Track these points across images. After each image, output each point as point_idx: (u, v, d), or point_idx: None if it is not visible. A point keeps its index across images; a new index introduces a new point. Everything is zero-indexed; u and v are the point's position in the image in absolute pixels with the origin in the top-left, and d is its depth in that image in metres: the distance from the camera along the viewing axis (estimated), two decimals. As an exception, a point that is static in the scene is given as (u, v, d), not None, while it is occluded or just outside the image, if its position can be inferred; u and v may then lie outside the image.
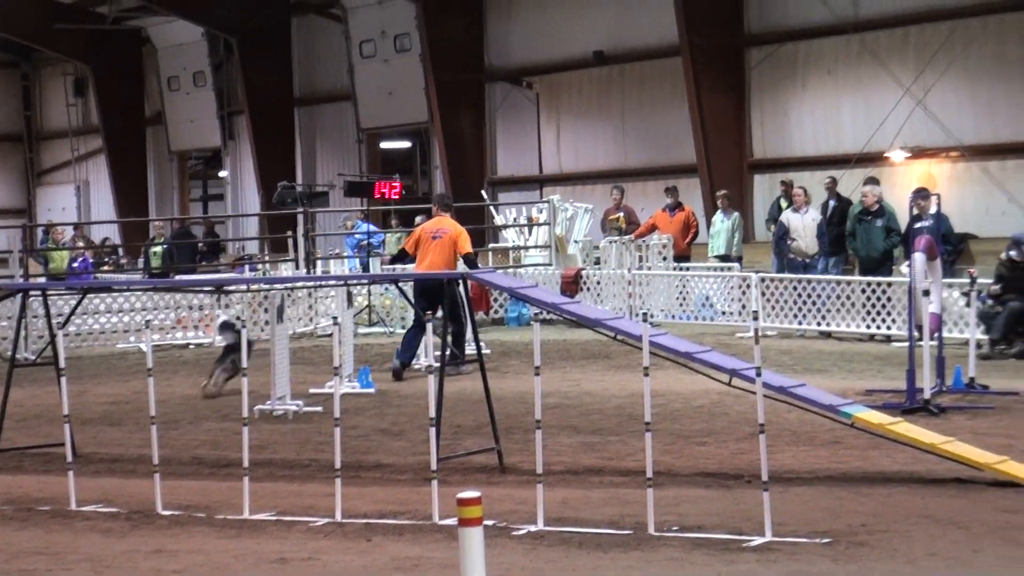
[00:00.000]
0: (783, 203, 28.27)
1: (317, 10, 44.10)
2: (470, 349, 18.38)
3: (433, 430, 11.22)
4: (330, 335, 27.19)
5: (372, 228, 33.36)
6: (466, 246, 20.34)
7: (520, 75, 38.56)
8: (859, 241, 24.43)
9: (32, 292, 16.71)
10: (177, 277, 32.39)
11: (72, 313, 15.89)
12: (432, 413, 11.28)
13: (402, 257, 21.93)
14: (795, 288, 25.02)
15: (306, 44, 44.75)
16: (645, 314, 12.82)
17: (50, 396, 18.41)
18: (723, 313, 27.37)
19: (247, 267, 34.58)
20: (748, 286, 26.10)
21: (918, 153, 31.25)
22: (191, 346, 27.42)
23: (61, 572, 9.93)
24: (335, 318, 13.14)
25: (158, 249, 35.79)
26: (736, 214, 29.82)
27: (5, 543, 10.86)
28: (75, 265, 36.09)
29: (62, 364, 12.78)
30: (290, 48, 44.82)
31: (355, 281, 25.01)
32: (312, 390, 19.00)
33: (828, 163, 31.60)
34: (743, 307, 26.48)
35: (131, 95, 50.79)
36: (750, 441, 13.79)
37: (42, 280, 31.13)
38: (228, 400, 18.99)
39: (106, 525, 11.43)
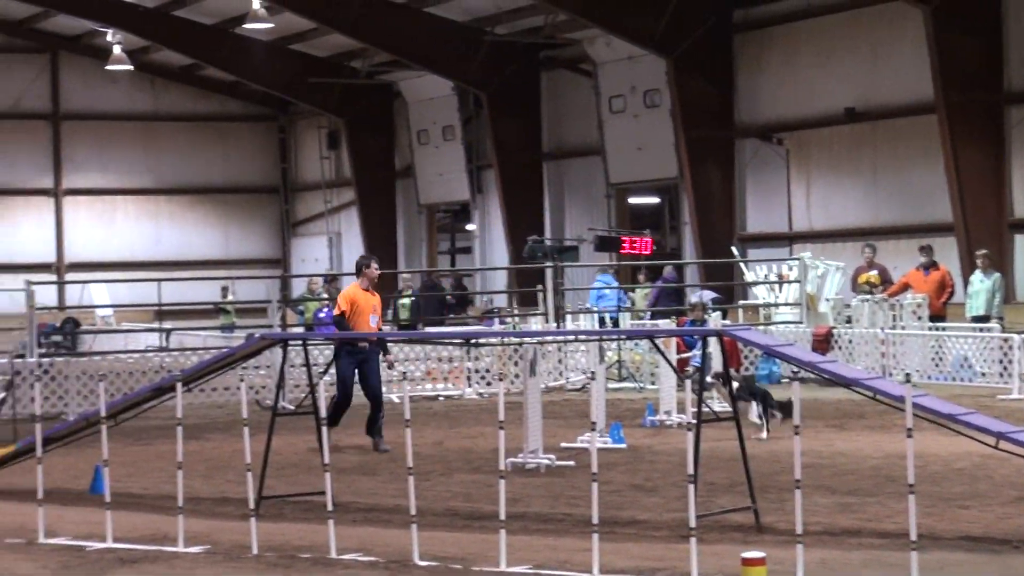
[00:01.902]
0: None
1: (567, 65, 44.41)
2: (718, 405, 18.31)
3: (691, 487, 11.20)
4: (580, 389, 27.66)
5: (613, 282, 33.47)
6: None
7: (770, 131, 38.31)
8: None
9: (292, 342, 17.10)
10: (425, 329, 32.87)
11: (331, 363, 16.26)
12: (690, 470, 11.26)
13: (342, 323, 20.72)
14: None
15: (555, 99, 45.07)
16: (908, 375, 12.65)
17: (306, 445, 18.89)
18: (982, 375, 26.88)
19: (496, 320, 34.92)
20: (1011, 347, 25.66)
21: None
22: (440, 398, 27.81)
23: (324, 618, 10.15)
24: (592, 372, 13.21)
25: (406, 301, 36.36)
26: (997, 275, 29.24)
27: (269, 589, 11.15)
28: (321, 315, 36.81)
29: (323, 413, 13.06)
30: (539, 102, 45.17)
31: (609, 336, 25.12)
32: (563, 444, 19.10)
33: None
34: (1004, 369, 25.97)
35: (382, 148, 51.69)
36: (1017, 505, 13.52)
37: (299, 330, 31.83)
38: (479, 452, 19.25)
39: (365, 574, 11.65)
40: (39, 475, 13.57)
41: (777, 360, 25.53)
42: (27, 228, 54.62)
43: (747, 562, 6.92)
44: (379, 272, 21.00)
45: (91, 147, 55.29)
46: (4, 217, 54.40)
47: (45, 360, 27.70)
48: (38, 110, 54.55)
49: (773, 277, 32.58)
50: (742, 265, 34.56)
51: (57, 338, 37.08)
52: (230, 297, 43.43)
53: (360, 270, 20.74)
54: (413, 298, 36.54)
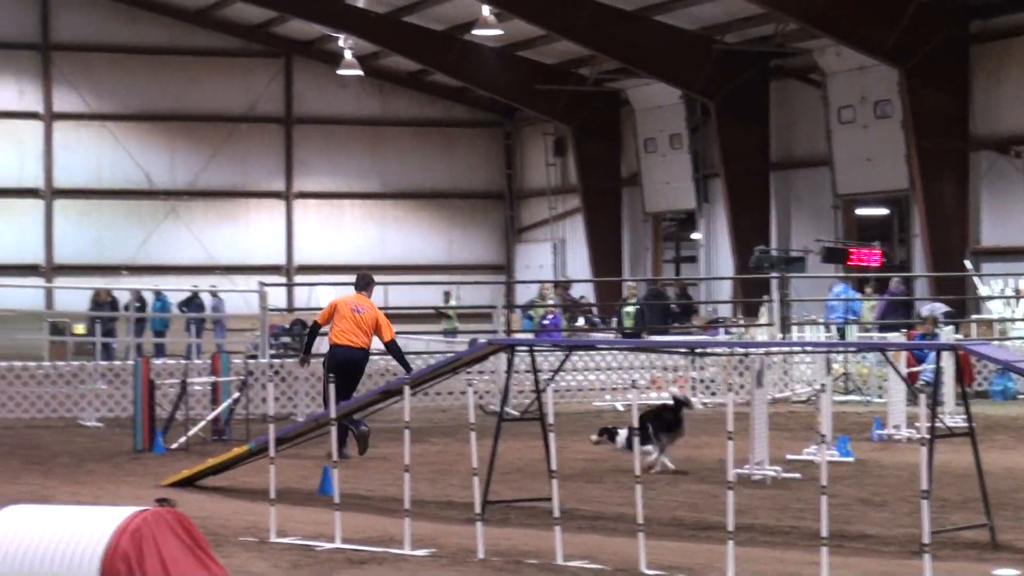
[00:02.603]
0: None
1: (796, 75, 44.02)
2: (952, 420, 17.99)
3: (925, 502, 10.99)
4: (805, 401, 27.40)
5: (852, 293, 33.07)
6: (388, 333, 20.79)
7: (1008, 143, 37.50)
8: None
9: (519, 348, 17.17)
10: (649, 338, 32.82)
11: (558, 370, 16.33)
12: (924, 485, 11.06)
13: (315, 330, 21.52)
14: None
15: (783, 108, 44.71)
16: None
17: (530, 451, 18.96)
18: None
19: (721, 330, 34.74)
20: None
21: None
22: (664, 407, 27.75)
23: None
24: (822, 385, 13.07)
25: (631, 309, 36.37)
26: None
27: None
28: (545, 322, 37.06)
29: (550, 420, 13.10)
30: (767, 112, 44.83)
31: (839, 349, 24.83)
32: (789, 456, 18.93)
33: None
34: None
35: (608, 155, 51.73)
36: None
37: (524, 336, 32.04)
38: (703, 462, 19.17)
39: (592, 581, 11.67)
40: (271, 475, 13.84)
41: (1013, 376, 24.99)
42: (259, 230, 55.85)
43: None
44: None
45: (321, 151, 56.35)
46: (238, 218, 55.70)
47: (276, 361, 28.27)
48: (272, 114, 55.76)
49: (1010, 292, 31.87)
50: (976, 279, 33.85)
51: (286, 339, 37.79)
52: (452, 302, 43.85)
53: (368, 286, 21.43)
54: (638, 306, 36.50)
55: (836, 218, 42.36)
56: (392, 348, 20.72)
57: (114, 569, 9.07)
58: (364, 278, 21.69)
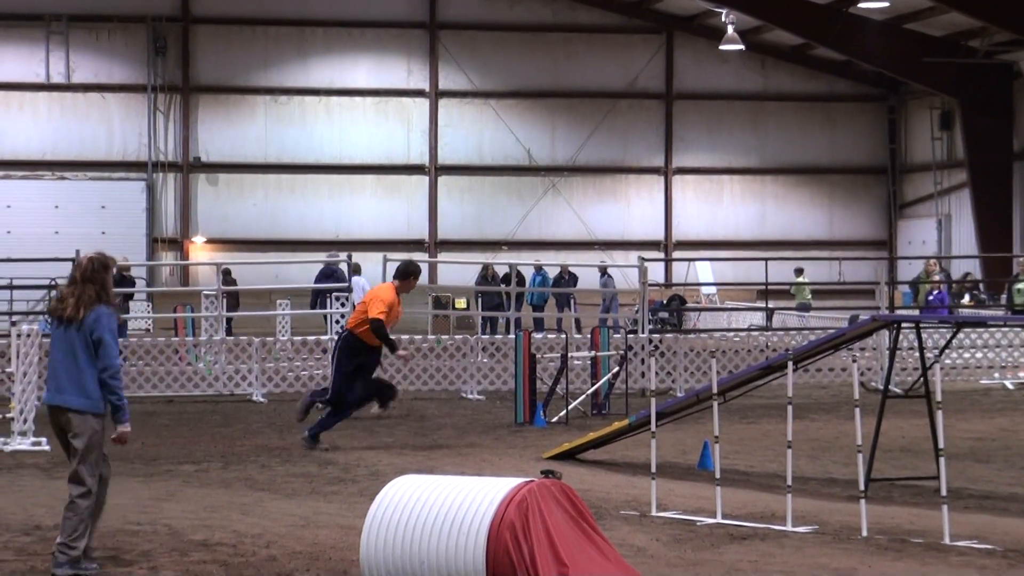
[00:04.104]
0: None
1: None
2: None
3: None
4: None
5: None
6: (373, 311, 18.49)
7: None
8: None
9: (904, 324, 16.84)
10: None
11: (946, 346, 15.99)
12: None
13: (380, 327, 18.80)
14: None
15: None
16: None
17: (913, 428, 18.60)
18: None
19: None
20: None
21: None
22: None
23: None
24: None
25: (1021, 286, 35.23)
26: None
27: (881, 573, 11.05)
28: (930, 299, 36.21)
29: (938, 397, 12.83)
30: None
31: None
32: None
33: None
34: None
35: (999, 129, 50.28)
36: None
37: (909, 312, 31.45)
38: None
39: (981, 562, 11.38)
40: (652, 449, 13.92)
41: None
42: (638, 206, 56.23)
43: None
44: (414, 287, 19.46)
45: (700, 126, 56.42)
46: (617, 194, 56.21)
47: (655, 336, 28.40)
48: (652, 89, 56.06)
49: None
50: None
51: (664, 314, 37.93)
52: (804, 278, 42.99)
53: (408, 276, 19.03)
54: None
55: None
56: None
57: (501, 538, 9.26)
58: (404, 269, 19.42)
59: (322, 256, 37.81)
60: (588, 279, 44.22)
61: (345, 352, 18.58)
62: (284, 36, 54.43)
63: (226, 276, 34.59)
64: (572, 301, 39.15)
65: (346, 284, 29.79)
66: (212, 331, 28.84)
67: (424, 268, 48.46)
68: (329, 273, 30.07)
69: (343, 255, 30.91)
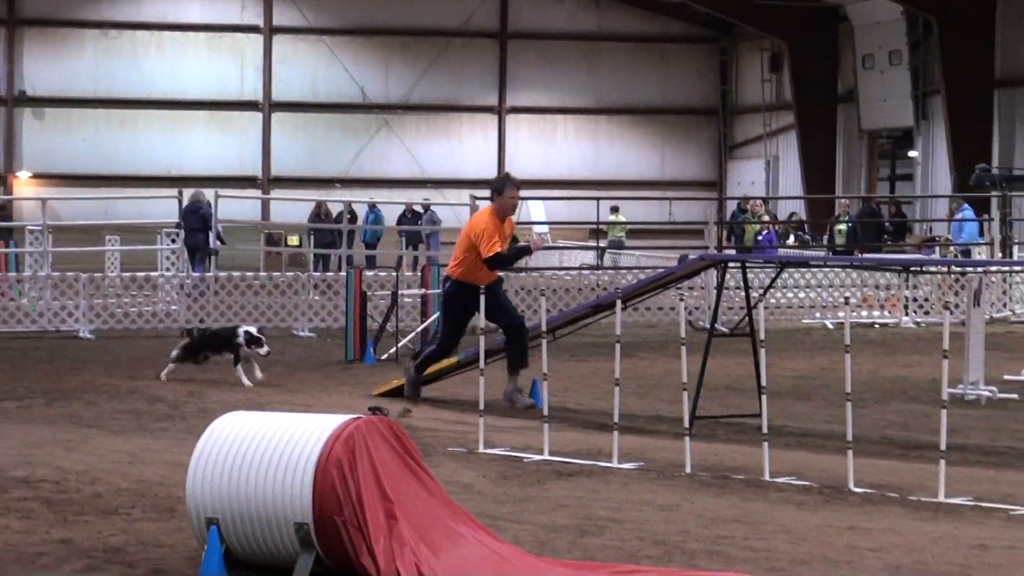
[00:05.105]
0: None
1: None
2: None
3: None
4: (1024, 322, 26.92)
5: (970, 214, 32.23)
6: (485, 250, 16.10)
7: None
8: None
9: (731, 264, 17.05)
10: (861, 255, 32.41)
11: (770, 286, 16.24)
12: None
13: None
14: None
15: (1011, 25, 43.60)
16: None
17: (738, 367, 18.87)
18: None
19: (936, 249, 34.16)
20: None
21: None
22: (876, 325, 27.48)
23: (757, 541, 10.16)
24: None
25: (843, 227, 35.93)
26: None
27: (703, 509, 11.24)
28: (759, 238, 36.83)
29: (761, 336, 13.03)
30: (994, 28, 43.76)
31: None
32: (1006, 376, 18.61)
33: None
34: None
35: (824, 72, 51.13)
36: None
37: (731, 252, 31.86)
38: (915, 381, 18.95)
39: (799, 498, 11.61)
40: (481, 387, 13.99)
41: None
42: (471, 145, 56.33)
43: None
44: (515, 201, 16.60)
45: (535, 66, 56.62)
46: (450, 133, 56.24)
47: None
48: (487, 28, 56.08)
49: None
50: None
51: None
52: (621, 217, 43.24)
53: (500, 192, 16.35)
54: (850, 224, 36.04)
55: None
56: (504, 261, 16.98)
57: (327, 474, 9.26)
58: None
59: (153, 191, 37.49)
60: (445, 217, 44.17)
61: (453, 302, 16.38)
62: None
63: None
64: (410, 238, 39.23)
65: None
66: (37, 267, 28.40)
67: (256, 204, 48.37)
68: (195, 209, 29.67)
69: (208, 192, 30.48)
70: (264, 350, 19.20)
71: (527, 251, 17.18)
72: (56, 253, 30.44)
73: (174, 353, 19.62)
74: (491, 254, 15.94)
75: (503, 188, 16.28)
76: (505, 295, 17.12)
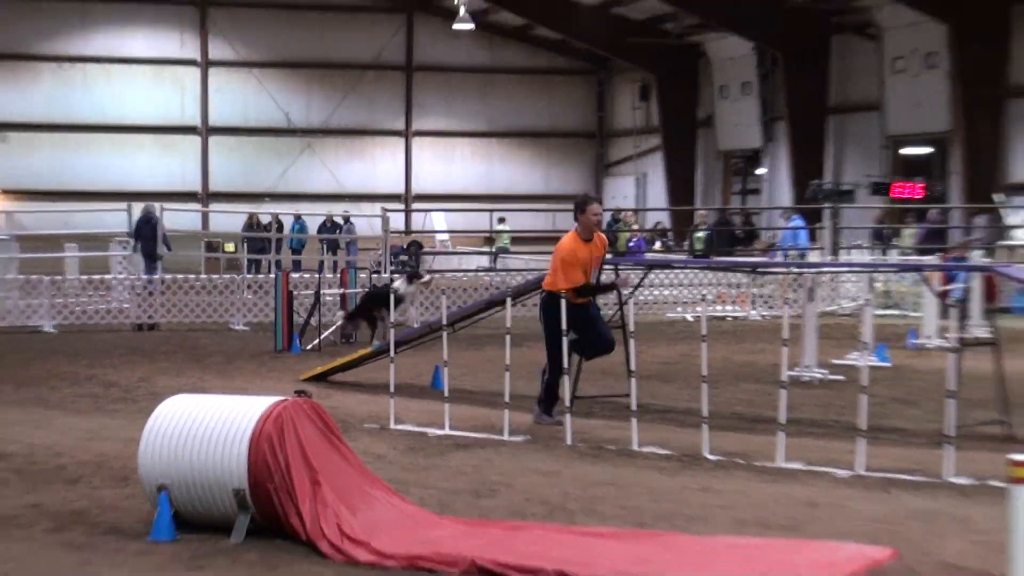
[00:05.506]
0: None
1: (855, 30, 43.45)
2: (978, 332, 17.92)
3: (951, 401, 11.09)
4: (850, 314, 27.35)
5: (800, 223, 32.78)
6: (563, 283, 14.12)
7: (1040, 92, 36.99)
8: None
9: (605, 267, 17.16)
10: (717, 258, 32.78)
11: (638, 285, 16.42)
12: (951, 386, 11.14)
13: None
14: None
15: (842, 59, 44.15)
16: None
17: (613, 355, 19.02)
18: None
19: (779, 253, 34.61)
20: None
21: None
22: (728, 318, 27.79)
23: (626, 501, 10.37)
24: (866, 300, 13.11)
25: (701, 234, 36.26)
26: None
27: (581, 474, 11.43)
28: (630, 245, 37.12)
29: (631, 328, 13.20)
30: (828, 63, 44.31)
31: (883, 269, 24.67)
32: (834, 361, 18.95)
33: None
34: None
35: (686, 101, 51.41)
36: None
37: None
38: (760, 366, 19.22)
39: (662, 464, 11.83)
40: (391, 372, 14.10)
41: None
42: (383, 164, 56.23)
43: (1016, 464, 6.77)
44: (599, 217, 14.46)
45: (437, 95, 56.53)
46: (365, 153, 56.09)
47: (395, 276, 28.48)
48: (395, 62, 55.99)
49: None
50: (1002, 210, 33.46)
51: (404, 258, 38.05)
52: (506, 226, 43.21)
53: (583, 210, 14.18)
54: (708, 232, 36.38)
55: (883, 157, 41.99)
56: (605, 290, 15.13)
57: (260, 449, 9.34)
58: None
59: (106, 205, 37.13)
60: (360, 227, 44.02)
61: (547, 310, 14.11)
62: (67, 9, 52.82)
63: None
64: (330, 245, 39.12)
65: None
66: (4, 271, 28.10)
67: (197, 216, 47.97)
68: (147, 220, 29.35)
69: (156, 204, 30.17)
70: (426, 277, 21.95)
71: (611, 288, 14.82)
72: (22, 259, 30.10)
73: (343, 314, 22.36)
74: (572, 287, 13.89)
75: (585, 206, 14.09)
76: (598, 313, 14.76)
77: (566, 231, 14.87)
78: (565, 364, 13.53)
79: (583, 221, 14.10)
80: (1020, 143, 37.48)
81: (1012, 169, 37.54)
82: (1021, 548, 4.87)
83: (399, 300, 21.92)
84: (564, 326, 13.37)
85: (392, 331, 14.78)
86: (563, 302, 13.49)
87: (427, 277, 21.19)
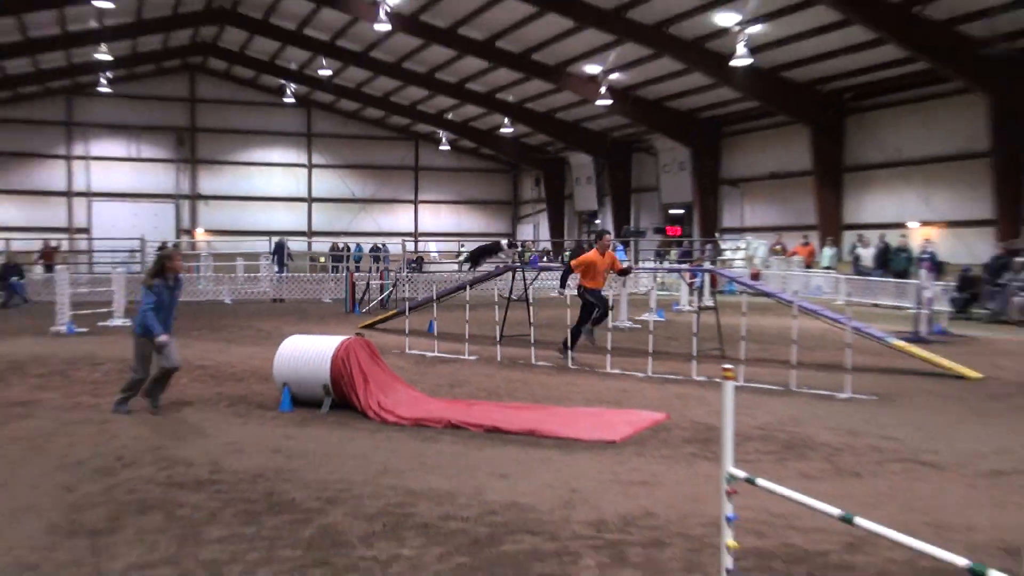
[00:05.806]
0: None
1: (644, 149, 43.24)
2: (708, 301, 17.75)
3: (694, 338, 10.89)
4: (644, 293, 27.14)
5: (620, 249, 32.01)
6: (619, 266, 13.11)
7: (736, 182, 37.09)
8: None
9: (517, 269, 16.84)
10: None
11: (536, 278, 16.06)
12: (694, 330, 11.00)
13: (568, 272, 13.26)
14: None
15: (638, 164, 43.87)
16: (796, 291, 11.98)
17: (520, 315, 18.50)
18: (824, 292, 24.55)
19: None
20: (837, 280, 24.01)
21: None
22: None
23: (529, 388, 10.10)
24: (653, 286, 12.83)
25: (567, 253, 35.79)
26: (835, 248, 27.77)
27: (506, 375, 11.06)
28: (532, 258, 36.29)
29: (530, 300, 12.94)
30: (630, 166, 44.00)
31: (663, 270, 23.96)
32: (637, 317, 18.48)
33: None
34: (835, 288, 24.23)
35: (559, 186, 50.42)
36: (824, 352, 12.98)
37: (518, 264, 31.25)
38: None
39: (548, 370, 11.34)
40: (406, 324, 13.92)
41: (735, 284, 24.86)
42: (403, 217, 54.60)
43: (726, 369, 6.73)
44: (610, 242, 13.12)
45: (431, 182, 54.99)
46: (392, 212, 54.31)
47: (410, 273, 28.05)
48: (408, 164, 54.72)
49: (739, 248, 31.52)
50: (720, 243, 33.55)
51: (413, 263, 37.51)
52: (464, 249, 42.44)
53: (600, 239, 12.91)
54: (569, 252, 35.92)
55: (660, 214, 42.02)
56: (623, 273, 13.41)
57: (336, 363, 9.18)
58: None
59: (259, 238, 35.86)
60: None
61: (584, 298, 12.61)
62: (244, 140, 50.76)
63: None
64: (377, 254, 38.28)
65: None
66: (204, 271, 27.32)
67: (305, 243, 46.99)
68: (280, 245, 28.14)
69: (285, 237, 29.03)
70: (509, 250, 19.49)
71: (562, 284, 13.34)
72: (216, 265, 29.12)
73: (465, 257, 19.89)
74: (568, 265, 12.95)
75: (602, 235, 12.83)
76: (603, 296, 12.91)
77: (502, 249, 14.64)
78: (585, 324, 12.45)
79: (600, 244, 12.81)
80: (727, 209, 37.71)
81: (722, 220, 37.85)
82: (728, 416, 4.84)
83: (500, 250, 21.16)
84: (592, 299, 12.31)
85: (407, 303, 14.45)
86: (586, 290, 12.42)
87: (510, 250, 20.17)
